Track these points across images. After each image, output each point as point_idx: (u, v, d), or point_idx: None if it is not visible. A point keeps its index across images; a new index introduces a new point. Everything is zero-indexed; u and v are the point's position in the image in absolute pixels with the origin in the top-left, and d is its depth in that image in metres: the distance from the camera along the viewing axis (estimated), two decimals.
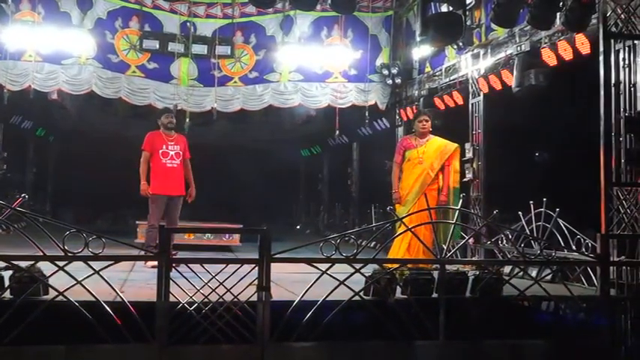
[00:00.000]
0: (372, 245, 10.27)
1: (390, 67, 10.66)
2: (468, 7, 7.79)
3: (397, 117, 11.19)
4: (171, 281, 4.09)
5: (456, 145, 6.69)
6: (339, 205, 15.51)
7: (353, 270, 4.28)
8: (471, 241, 8.12)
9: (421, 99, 9.96)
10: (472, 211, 8.11)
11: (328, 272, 4.20)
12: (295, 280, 5.40)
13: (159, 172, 7.02)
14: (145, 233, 7.37)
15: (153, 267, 6.29)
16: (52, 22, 9.60)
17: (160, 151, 7.04)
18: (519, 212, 6.82)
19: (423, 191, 6.39)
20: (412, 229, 4.81)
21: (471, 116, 8.66)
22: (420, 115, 6.84)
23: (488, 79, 8.08)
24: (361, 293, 4.41)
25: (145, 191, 6.89)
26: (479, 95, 8.53)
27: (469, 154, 8.52)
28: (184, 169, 7.12)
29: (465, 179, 8.63)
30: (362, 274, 4.41)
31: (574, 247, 5.74)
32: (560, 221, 6.09)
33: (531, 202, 6.70)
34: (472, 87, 8.69)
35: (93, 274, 4.10)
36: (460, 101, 8.93)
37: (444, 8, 6.23)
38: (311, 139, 14.82)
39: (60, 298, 4.06)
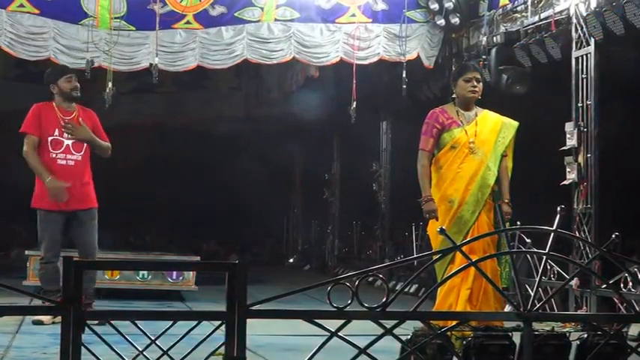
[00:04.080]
0: (411, 290, 10.31)
1: None
2: None
3: None
4: (83, 349, 4.11)
5: (516, 122, 6.56)
6: (358, 225, 15.52)
7: (381, 330, 4.30)
8: (574, 282, 8.12)
9: (493, 50, 9.96)
10: (576, 234, 8.11)
11: (340, 334, 4.21)
12: (286, 347, 5.40)
13: None
14: (37, 271, 7.46)
15: (51, 322, 6.37)
16: None
17: (50, 139, 7.09)
18: None
19: (486, 199, 6.30)
20: (478, 266, 4.81)
21: (574, 79, 8.67)
22: (467, 70, 6.55)
23: (603, 18, 8.09)
24: None
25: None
26: (588, 44, 8.53)
27: (571, 142, 8.51)
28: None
29: (565, 182, 8.64)
30: (396, 336, 4.41)
31: None
32: None
33: None
34: (577, 30, 8.70)
35: None
36: (557, 54, 8.94)
37: None
38: (312, 118, 14.83)
39: None
